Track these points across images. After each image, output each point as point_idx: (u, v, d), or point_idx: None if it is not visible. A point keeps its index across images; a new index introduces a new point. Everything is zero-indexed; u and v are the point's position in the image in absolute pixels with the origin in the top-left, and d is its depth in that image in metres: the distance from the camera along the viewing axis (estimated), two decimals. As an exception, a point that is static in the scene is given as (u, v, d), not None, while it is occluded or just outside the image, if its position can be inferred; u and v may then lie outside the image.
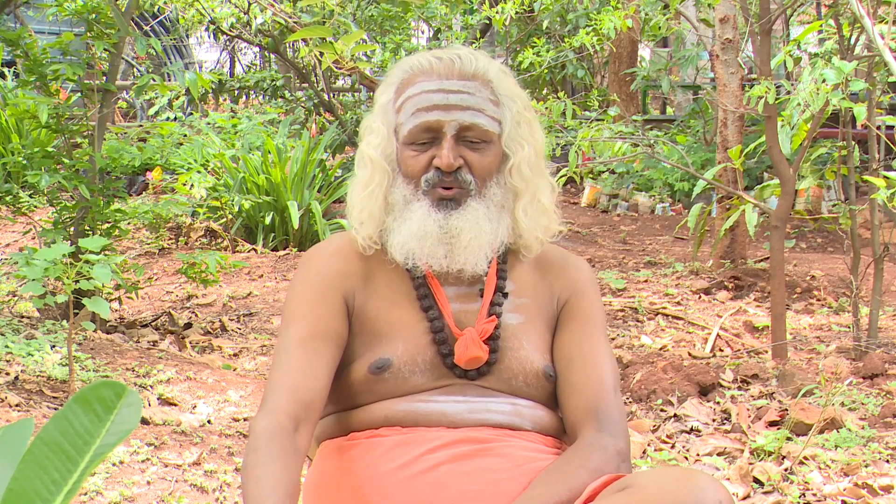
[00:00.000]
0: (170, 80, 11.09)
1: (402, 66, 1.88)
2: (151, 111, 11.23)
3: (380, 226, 1.87)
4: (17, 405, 3.47)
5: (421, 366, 1.81)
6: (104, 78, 4.66)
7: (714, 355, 4.76)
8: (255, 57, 17.29)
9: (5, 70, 10.37)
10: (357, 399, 1.83)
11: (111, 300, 4.96)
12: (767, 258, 5.93)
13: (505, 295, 1.88)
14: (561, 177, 5.69)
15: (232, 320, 5.27)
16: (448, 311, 1.84)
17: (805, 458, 3.43)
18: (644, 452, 3.53)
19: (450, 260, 1.83)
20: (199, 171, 7.17)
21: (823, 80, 3.74)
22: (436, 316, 1.83)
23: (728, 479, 3.28)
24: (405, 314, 1.84)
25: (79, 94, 6.39)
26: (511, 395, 1.83)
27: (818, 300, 5.74)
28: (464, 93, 1.82)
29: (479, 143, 1.82)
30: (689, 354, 4.69)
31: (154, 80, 4.76)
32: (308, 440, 1.71)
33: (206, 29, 10.97)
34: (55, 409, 3.51)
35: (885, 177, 3.74)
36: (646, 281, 6.14)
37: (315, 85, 9.51)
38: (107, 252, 4.04)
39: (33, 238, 5.18)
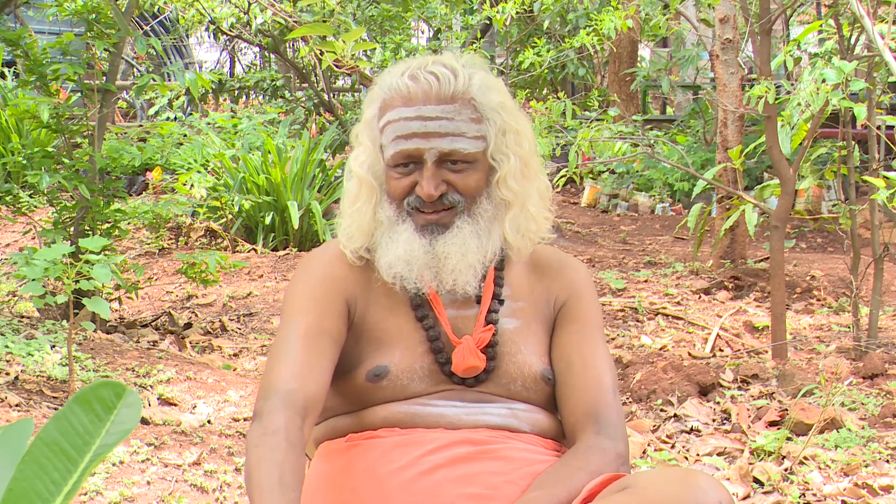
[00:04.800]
0: (170, 80, 11.08)
1: (383, 85, 1.82)
2: (151, 111, 11.23)
3: (368, 240, 1.85)
4: (17, 405, 3.46)
5: (419, 373, 1.81)
6: (104, 78, 4.66)
7: (714, 355, 4.76)
8: (255, 57, 17.28)
9: (5, 70, 10.37)
10: (356, 405, 1.83)
11: (111, 300, 4.96)
12: (767, 258, 5.92)
13: (501, 301, 1.88)
14: (561, 177, 5.69)
15: (232, 320, 5.27)
16: (445, 318, 1.84)
17: (805, 458, 3.43)
18: (644, 452, 3.53)
19: (439, 281, 1.82)
20: (199, 171, 7.16)
21: (823, 80, 3.74)
22: (431, 325, 1.83)
23: (728, 479, 3.28)
24: (402, 322, 1.84)
25: (79, 94, 6.39)
26: (509, 400, 1.83)
27: (818, 300, 5.74)
28: (442, 119, 1.77)
29: (462, 164, 1.79)
30: (689, 354, 4.69)
31: (154, 80, 4.76)
32: (307, 433, 1.70)
33: (206, 29, 10.97)
34: (55, 409, 3.51)
35: (885, 177, 3.74)
36: (646, 281, 6.14)
37: (315, 85, 9.51)
38: (107, 252, 4.03)
39: (33, 238, 5.18)
